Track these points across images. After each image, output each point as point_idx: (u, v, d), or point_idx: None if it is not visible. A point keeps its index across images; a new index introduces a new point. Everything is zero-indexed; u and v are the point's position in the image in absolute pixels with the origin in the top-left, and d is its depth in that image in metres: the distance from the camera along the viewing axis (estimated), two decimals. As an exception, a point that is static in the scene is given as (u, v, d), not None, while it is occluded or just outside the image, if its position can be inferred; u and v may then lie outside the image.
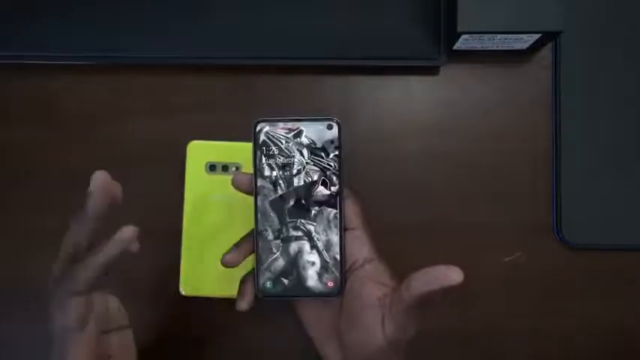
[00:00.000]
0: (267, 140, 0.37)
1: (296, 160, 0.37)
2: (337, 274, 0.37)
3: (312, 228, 0.37)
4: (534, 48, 0.47)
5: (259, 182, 0.37)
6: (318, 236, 0.37)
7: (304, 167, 0.37)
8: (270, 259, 0.38)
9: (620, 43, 0.49)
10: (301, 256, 0.38)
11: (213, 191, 0.47)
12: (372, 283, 0.37)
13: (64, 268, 0.35)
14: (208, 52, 0.48)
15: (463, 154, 0.49)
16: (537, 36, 0.44)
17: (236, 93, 0.50)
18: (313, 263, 0.37)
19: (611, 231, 0.48)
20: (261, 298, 0.38)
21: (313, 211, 0.37)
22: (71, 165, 0.50)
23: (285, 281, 0.38)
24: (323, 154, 0.37)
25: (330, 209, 0.37)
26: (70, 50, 0.48)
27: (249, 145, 0.48)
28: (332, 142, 0.37)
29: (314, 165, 0.37)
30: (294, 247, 0.38)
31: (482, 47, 0.47)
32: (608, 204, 0.48)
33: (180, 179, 0.48)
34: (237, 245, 0.39)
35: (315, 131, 0.37)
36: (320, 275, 0.38)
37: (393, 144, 0.50)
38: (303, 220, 0.37)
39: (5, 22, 0.48)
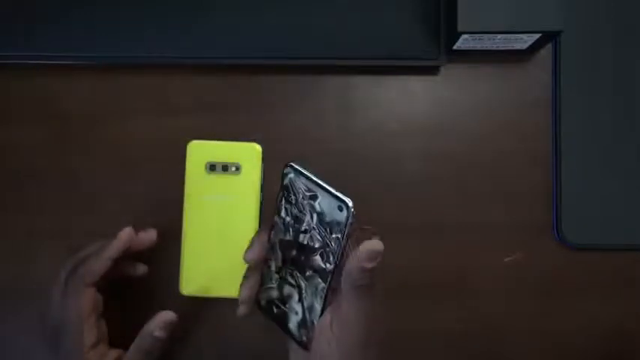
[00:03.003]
0: (289, 186, 0.36)
1: (306, 219, 0.35)
2: (311, 335, 0.37)
3: (303, 285, 0.37)
4: (534, 48, 0.47)
5: (275, 218, 0.37)
6: (305, 295, 0.37)
7: (310, 230, 0.35)
8: (268, 285, 0.39)
9: (620, 43, 0.49)
10: (290, 300, 0.38)
11: (213, 191, 0.47)
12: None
13: (78, 263, 0.42)
14: (208, 52, 0.48)
15: (463, 154, 0.49)
16: (537, 36, 0.44)
17: (236, 93, 0.50)
18: (297, 312, 0.37)
19: (611, 231, 0.48)
20: (259, 310, 0.40)
21: (307, 272, 0.36)
22: (71, 165, 0.50)
23: (275, 309, 0.39)
24: (328, 229, 0.34)
25: (320, 280, 0.36)
26: (70, 50, 0.48)
27: (249, 145, 0.48)
28: (338, 223, 0.33)
29: (318, 234, 0.35)
30: (287, 289, 0.38)
31: (482, 47, 0.47)
32: (608, 204, 0.48)
33: (180, 179, 0.48)
34: (253, 241, 0.39)
35: (328, 204, 0.34)
36: (299, 325, 0.37)
37: (393, 144, 0.50)
38: (298, 274, 0.37)
39: (5, 22, 0.48)
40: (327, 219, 0.34)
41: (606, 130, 0.49)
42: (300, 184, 0.35)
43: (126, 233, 0.42)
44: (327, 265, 0.35)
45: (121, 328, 0.43)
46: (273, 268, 0.38)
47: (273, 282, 0.38)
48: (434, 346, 0.49)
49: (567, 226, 0.48)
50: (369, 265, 0.34)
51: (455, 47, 0.46)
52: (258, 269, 0.39)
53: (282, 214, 0.37)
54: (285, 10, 0.48)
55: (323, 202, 0.34)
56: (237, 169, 0.48)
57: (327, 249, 0.35)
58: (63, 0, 0.48)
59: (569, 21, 0.45)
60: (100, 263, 0.41)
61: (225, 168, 0.48)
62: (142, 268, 0.46)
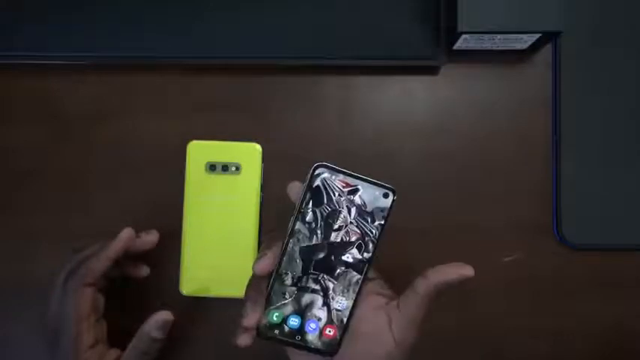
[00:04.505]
0: (320, 187, 0.36)
1: (342, 216, 0.36)
2: (339, 333, 0.37)
3: (331, 285, 0.37)
4: (534, 48, 0.47)
5: (297, 225, 0.36)
6: (333, 295, 0.37)
7: (346, 225, 0.36)
8: (279, 303, 0.37)
9: (620, 43, 0.49)
10: (310, 309, 0.37)
11: (213, 191, 0.48)
12: (374, 295, 0.38)
13: (79, 263, 0.42)
14: (208, 52, 0.48)
15: (463, 154, 0.49)
16: (537, 36, 0.44)
17: (236, 93, 0.50)
18: (319, 319, 0.37)
19: (611, 231, 0.48)
20: (259, 337, 0.36)
21: (338, 270, 0.37)
22: (71, 165, 0.50)
23: (286, 328, 0.37)
24: (369, 219, 0.36)
25: (355, 273, 0.37)
26: (70, 50, 0.48)
27: (250, 145, 0.48)
28: (382, 210, 0.36)
29: (356, 226, 0.36)
30: (307, 298, 0.37)
31: (482, 47, 0.47)
32: (608, 204, 0.48)
33: (180, 179, 0.48)
34: (263, 251, 0.37)
35: (370, 194, 0.36)
36: (321, 331, 0.37)
37: (393, 144, 0.50)
38: (325, 276, 0.37)
39: (5, 22, 0.48)
40: (369, 209, 0.36)
41: (606, 130, 0.49)
42: (337, 182, 0.36)
43: (126, 233, 0.42)
44: (365, 254, 0.37)
45: (121, 328, 0.43)
46: (288, 282, 0.37)
47: (287, 297, 0.37)
48: (434, 346, 0.49)
49: (567, 226, 0.48)
50: (454, 283, 0.36)
51: (455, 47, 0.46)
52: (263, 288, 0.36)
53: (309, 218, 0.36)
54: (285, 10, 0.48)
55: (365, 194, 0.36)
56: (237, 169, 0.48)
57: (367, 238, 0.36)
58: (63, 0, 0.48)
59: (569, 21, 0.45)
60: (99, 263, 0.41)
61: (225, 168, 0.48)
62: (145, 270, 0.46)
